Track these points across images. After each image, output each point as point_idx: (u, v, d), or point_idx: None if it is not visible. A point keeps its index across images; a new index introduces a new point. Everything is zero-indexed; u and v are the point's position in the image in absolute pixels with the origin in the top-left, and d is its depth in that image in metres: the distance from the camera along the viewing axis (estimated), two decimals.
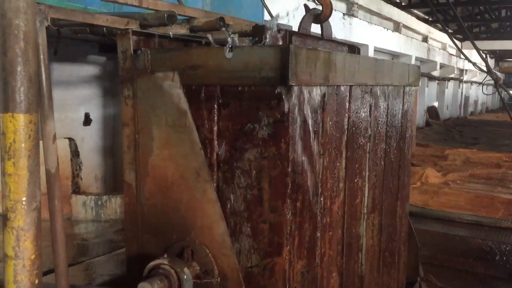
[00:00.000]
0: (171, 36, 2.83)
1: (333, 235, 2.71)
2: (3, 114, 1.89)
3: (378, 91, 3.19)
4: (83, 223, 5.47)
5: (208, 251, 2.31)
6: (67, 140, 5.97)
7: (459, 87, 27.32)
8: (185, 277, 2.13)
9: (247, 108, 2.34)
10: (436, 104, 23.29)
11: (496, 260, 4.86)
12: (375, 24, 14.00)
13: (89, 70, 6.53)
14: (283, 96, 2.24)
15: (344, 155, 2.81)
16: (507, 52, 30.96)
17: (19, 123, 1.89)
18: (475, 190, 7.55)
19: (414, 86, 3.84)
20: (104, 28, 3.04)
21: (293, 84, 2.23)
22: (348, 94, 2.82)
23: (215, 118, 2.43)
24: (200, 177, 2.37)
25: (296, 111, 2.30)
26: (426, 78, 20.36)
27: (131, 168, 2.58)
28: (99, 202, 5.75)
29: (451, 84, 25.78)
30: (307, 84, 2.37)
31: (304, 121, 2.38)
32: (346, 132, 2.83)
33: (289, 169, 2.27)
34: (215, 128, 2.43)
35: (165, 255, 2.18)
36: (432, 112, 21.67)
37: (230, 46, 2.31)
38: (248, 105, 2.33)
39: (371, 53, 13.13)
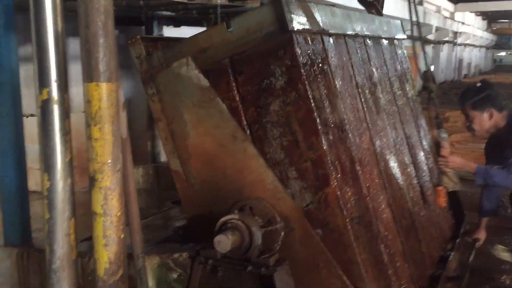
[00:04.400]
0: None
1: (372, 170, 2.93)
2: (88, 83, 2.04)
3: (370, 40, 3.50)
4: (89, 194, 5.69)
5: (265, 202, 2.50)
6: None
7: (453, 50, 27.44)
8: (253, 228, 2.32)
9: (259, 67, 2.55)
10: (432, 68, 23.44)
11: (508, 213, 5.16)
12: None
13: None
14: (287, 43, 2.46)
15: (358, 98, 3.04)
16: (499, 13, 31.01)
17: (103, 91, 2.04)
18: (480, 149, 7.80)
19: (401, 38, 4.34)
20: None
21: (292, 28, 2.45)
22: (345, 42, 3.09)
23: (234, 87, 2.63)
24: (236, 139, 2.56)
25: (303, 54, 2.52)
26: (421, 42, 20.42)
27: (174, 156, 2.78)
28: None
29: (445, 47, 25.88)
30: (306, 31, 2.59)
31: (313, 64, 2.58)
32: (354, 75, 3.07)
33: (313, 105, 2.47)
34: (237, 96, 2.63)
35: (236, 211, 2.37)
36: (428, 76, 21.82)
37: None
38: (259, 64, 2.54)
39: None
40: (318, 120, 2.49)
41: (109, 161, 2.09)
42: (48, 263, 2.27)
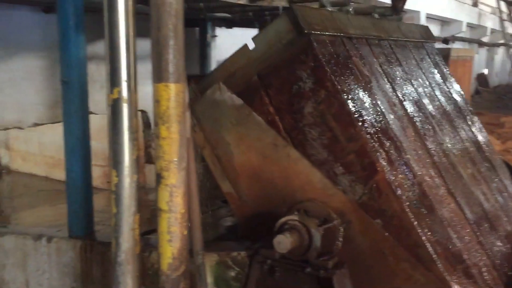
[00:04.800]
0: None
1: (424, 158, 2.94)
2: (157, 84, 2.11)
3: (394, 43, 3.58)
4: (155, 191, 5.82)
5: (317, 201, 2.52)
6: (139, 113, 6.28)
7: (508, 53, 26.37)
8: (313, 229, 2.33)
9: (286, 75, 2.67)
10: (486, 71, 22.64)
11: None
12: None
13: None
14: (308, 46, 2.60)
15: (392, 92, 3.10)
16: None
17: (171, 91, 2.10)
18: None
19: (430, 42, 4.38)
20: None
21: (310, 31, 2.61)
22: (368, 44, 3.20)
23: (267, 101, 2.74)
24: (278, 146, 2.65)
25: (325, 54, 2.65)
26: (476, 45, 19.78)
27: (224, 179, 2.88)
28: None
29: (500, 50, 24.92)
30: (324, 34, 2.75)
31: (337, 62, 2.70)
32: (383, 72, 3.16)
33: (344, 98, 2.57)
34: (272, 109, 2.73)
35: (295, 212, 2.38)
36: (481, 79, 21.08)
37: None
38: (286, 72, 2.66)
39: (422, 19, 12.88)
40: (352, 111, 2.58)
41: (175, 159, 2.16)
42: (114, 256, 2.37)
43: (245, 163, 2.77)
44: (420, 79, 3.69)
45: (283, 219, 2.38)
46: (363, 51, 3.06)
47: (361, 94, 2.74)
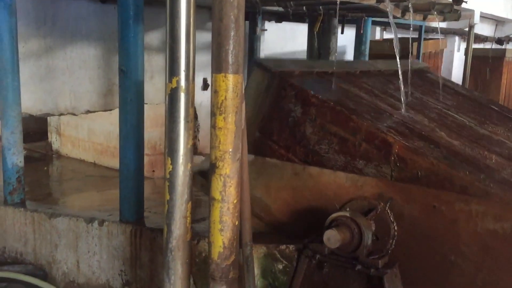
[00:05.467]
0: None
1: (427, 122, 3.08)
2: (217, 74, 2.13)
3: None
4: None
5: (356, 199, 2.59)
6: None
7: None
8: (364, 226, 2.31)
9: (279, 115, 2.95)
10: None
11: None
12: None
13: (207, 37, 6.84)
14: (282, 81, 2.94)
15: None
16: None
17: (230, 82, 2.12)
18: None
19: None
20: None
21: (278, 69, 3.00)
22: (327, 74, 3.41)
23: (275, 146, 2.97)
24: (299, 173, 2.84)
25: (298, 80, 2.96)
26: None
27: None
28: None
29: None
30: (290, 70, 3.10)
31: (311, 83, 3.05)
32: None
33: (331, 103, 2.82)
34: (283, 151, 2.94)
35: (347, 208, 2.37)
36: None
37: None
38: (277, 113, 2.94)
39: (477, 18, 12.45)
40: (344, 109, 2.77)
41: (230, 150, 2.18)
42: (165, 242, 2.41)
43: (280, 205, 2.91)
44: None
45: (334, 215, 2.37)
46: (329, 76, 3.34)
47: (343, 96, 3.01)
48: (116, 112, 6.26)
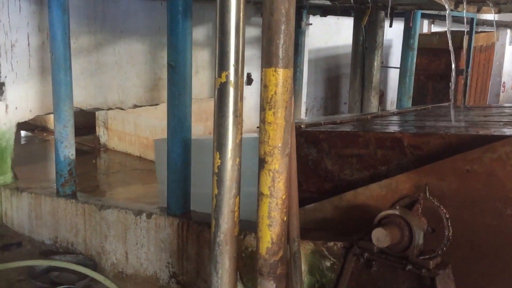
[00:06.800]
0: None
1: None
2: (267, 68, 2.12)
3: None
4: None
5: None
6: None
7: None
8: (415, 226, 2.24)
9: (300, 162, 2.91)
10: None
11: None
12: None
13: (250, 31, 6.84)
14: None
15: None
16: None
17: (280, 77, 2.10)
18: None
19: None
20: None
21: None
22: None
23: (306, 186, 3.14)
24: (336, 205, 2.93)
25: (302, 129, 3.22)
26: None
27: None
28: None
29: None
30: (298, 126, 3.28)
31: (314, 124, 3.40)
32: None
33: (337, 131, 3.07)
34: (315, 194, 3.09)
35: (397, 207, 2.31)
36: None
37: None
38: (300, 162, 2.89)
39: None
40: (349, 132, 3.07)
41: (280, 145, 2.16)
42: (213, 236, 2.43)
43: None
44: None
45: (383, 213, 2.32)
46: None
47: (350, 127, 3.25)
48: (160, 107, 6.38)
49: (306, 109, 8.72)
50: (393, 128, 3.30)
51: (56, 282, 3.53)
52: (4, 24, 4.41)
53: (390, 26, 4.88)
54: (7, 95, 4.47)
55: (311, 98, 8.97)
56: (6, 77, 4.46)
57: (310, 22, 7.45)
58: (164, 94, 5.94)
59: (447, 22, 2.94)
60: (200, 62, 6.33)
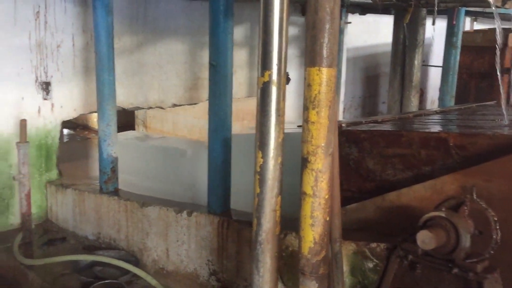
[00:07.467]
0: None
1: None
2: (310, 68, 2.11)
3: None
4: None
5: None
6: None
7: None
8: (461, 228, 2.18)
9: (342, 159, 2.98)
10: None
11: None
12: None
13: (290, 30, 6.81)
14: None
15: None
16: None
17: (324, 76, 2.09)
18: None
19: None
20: None
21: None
22: None
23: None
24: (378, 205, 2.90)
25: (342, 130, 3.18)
26: None
27: None
28: None
29: None
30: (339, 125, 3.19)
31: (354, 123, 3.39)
32: None
33: (379, 129, 3.06)
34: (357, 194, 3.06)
35: (442, 208, 2.26)
36: None
37: None
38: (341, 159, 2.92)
39: None
40: (391, 131, 3.04)
41: (323, 144, 2.14)
42: (254, 234, 2.43)
43: None
44: None
45: (429, 215, 2.26)
46: None
47: (390, 127, 3.22)
48: (198, 106, 6.44)
49: (344, 108, 8.63)
50: (437, 128, 3.22)
51: (99, 276, 3.62)
52: (50, 26, 4.55)
53: (433, 24, 4.77)
54: (53, 94, 4.62)
55: (348, 97, 8.87)
56: (52, 76, 4.60)
57: (349, 21, 7.37)
58: (202, 93, 6.01)
59: (495, 20, 2.85)
60: (237, 61, 6.36)
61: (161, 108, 5.91)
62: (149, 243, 3.80)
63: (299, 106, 6.51)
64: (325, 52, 2.07)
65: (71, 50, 4.72)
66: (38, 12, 4.46)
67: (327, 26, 2.05)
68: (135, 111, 8.89)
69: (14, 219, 4.53)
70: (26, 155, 4.16)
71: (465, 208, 2.35)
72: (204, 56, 5.90)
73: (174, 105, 6.04)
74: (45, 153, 4.64)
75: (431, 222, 2.27)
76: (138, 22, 5.26)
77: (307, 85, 2.13)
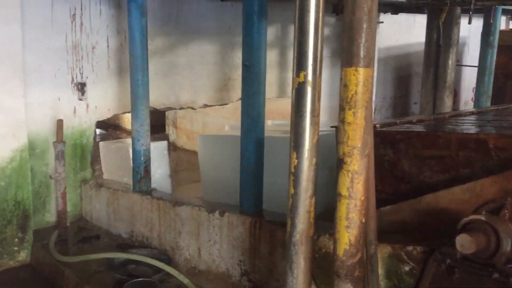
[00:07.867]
0: None
1: None
2: (347, 68, 2.09)
3: None
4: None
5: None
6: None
7: None
8: (502, 232, 2.13)
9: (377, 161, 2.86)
10: None
11: None
12: None
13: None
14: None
15: None
16: None
17: (361, 76, 2.06)
18: None
19: None
20: None
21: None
22: None
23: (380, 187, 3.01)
24: (415, 208, 2.83)
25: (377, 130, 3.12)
26: None
27: None
28: None
29: None
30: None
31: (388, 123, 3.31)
32: None
33: (415, 130, 3.02)
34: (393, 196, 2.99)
35: (482, 212, 2.20)
36: None
37: None
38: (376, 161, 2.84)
39: None
40: (428, 132, 2.99)
41: (359, 145, 2.12)
42: (288, 235, 2.43)
43: None
44: None
45: (468, 218, 2.21)
46: None
47: (426, 127, 3.15)
48: (228, 106, 6.45)
49: (375, 109, 8.52)
50: (476, 129, 3.14)
51: (133, 274, 3.67)
52: (86, 28, 4.65)
53: (469, 22, 4.66)
54: (88, 94, 4.71)
55: (379, 98, 8.75)
56: (87, 77, 4.70)
57: (381, 20, 7.28)
58: (232, 94, 6.03)
59: None
60: (268, 61, 6.36)
61: (192, 108, 5.96)
62: (181, 242, 3.84)
63: (329, 107, 6.49)
64: (362, 52, 2.05)
65: (106, 51, 4.81)
66: (74, 14, 4.55)
67: (365, 26, 2.03)
68: (166, 112, 9.00)
69: (50, 217, 4.64)
70: (62, 154, 4.25)
71: (506, 211, 2.28)
72: (234, 57, 5.93)
73: (205, 106, 6.08)
74: (80, 153, 4.74)
75: (470, 226, 2.22)
76: (170, 24, 5.32)
77: (344, 85, 2.11)
